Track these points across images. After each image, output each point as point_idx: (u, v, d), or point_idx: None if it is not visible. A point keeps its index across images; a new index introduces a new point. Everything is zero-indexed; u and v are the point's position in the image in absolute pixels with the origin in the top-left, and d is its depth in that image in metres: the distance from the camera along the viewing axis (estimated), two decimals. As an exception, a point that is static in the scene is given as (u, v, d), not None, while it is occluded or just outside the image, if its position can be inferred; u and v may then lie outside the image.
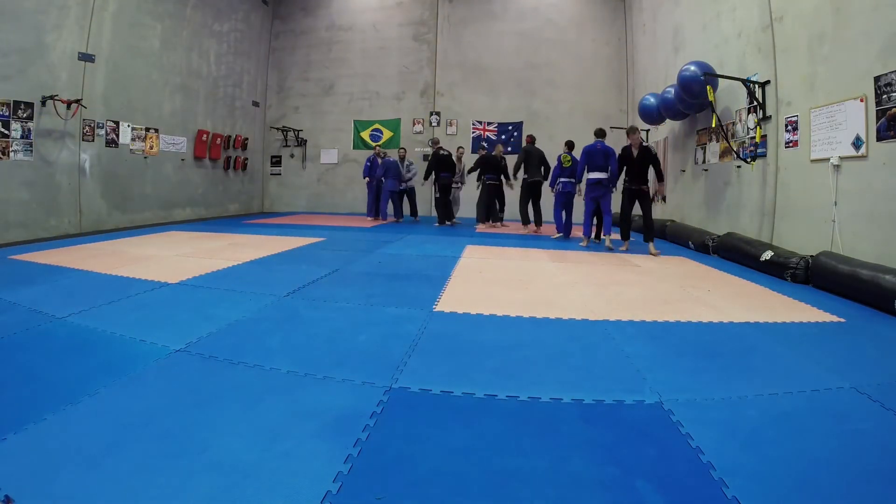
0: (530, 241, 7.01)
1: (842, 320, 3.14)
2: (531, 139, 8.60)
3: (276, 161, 12.92)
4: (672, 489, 1.32)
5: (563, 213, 7.68)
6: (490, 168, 8.79)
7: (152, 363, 2.14)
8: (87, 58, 7.11)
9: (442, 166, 9.03)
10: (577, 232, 7.85)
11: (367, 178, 10.25)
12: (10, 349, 2.28)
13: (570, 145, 7.75)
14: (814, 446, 1.56)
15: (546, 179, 8.14)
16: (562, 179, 7.56)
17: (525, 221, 8.33)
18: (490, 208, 8.98)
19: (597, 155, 6.49)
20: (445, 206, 9.23)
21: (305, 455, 1.44)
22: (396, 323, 2.83)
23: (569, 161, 7.48)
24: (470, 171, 9.28)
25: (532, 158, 8.14)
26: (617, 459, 1.47)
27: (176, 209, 9.46)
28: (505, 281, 4.12)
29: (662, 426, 1.69)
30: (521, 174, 8.43)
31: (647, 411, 1.80)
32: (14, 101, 6.10)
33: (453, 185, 9.41)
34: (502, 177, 8.92)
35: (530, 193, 8.22)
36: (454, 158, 9.31)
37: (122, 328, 2.58)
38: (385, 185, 9.81)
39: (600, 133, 6.75)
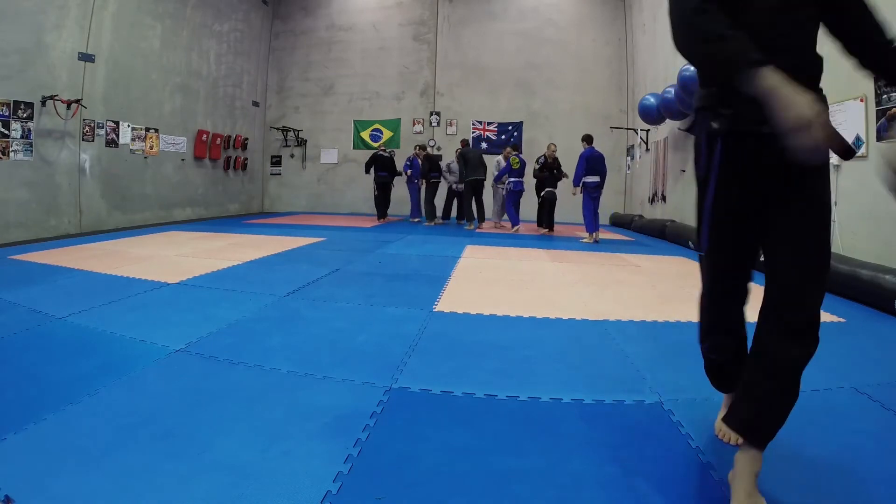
0: (530, 242, 7.02)
1: (842, 320, 3.15)
2: (465, 143, 9.52)
3: (276, 161, 12.93)
4: (672, 489, 1.32)
5: (516, 209, 8.55)
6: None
7: (152, 363, 2.14)
8: (87, 58, 7.11)
9: (382, 166, 9.55)
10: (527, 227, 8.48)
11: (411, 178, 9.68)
12: (10, 349, 2.28)
13: (515, 147, 8.89)
14: (813, 446, 1.56)
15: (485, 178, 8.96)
16: (511, 179, 8.39)
17: (470, 218, 9.17)
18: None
19: (596, 160, 7.18)
20: (384, 204, 9.82)
21: (305, 455, 1.44)
22: (396, 323, 2.83)
23: (517, 163, 8.38)
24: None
25: (471, 160, 8.84)
26: (617, 459, 1.47)
27: (176, 209, 9.46)
28: (505, 281, 4.12)
29: (662, 426, 1.69)
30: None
31: (647, 411, 1.80)
32: (14, 101, 6.11)
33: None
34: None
35: (470, 192, 8.94)
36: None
37: (122, 328, 2.58)
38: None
39: (591, 139, 7.37)
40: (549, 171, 8.15)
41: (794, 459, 1.48)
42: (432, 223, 9.40)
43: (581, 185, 7.16)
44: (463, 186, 9.14)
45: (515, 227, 8.40)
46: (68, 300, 3.10)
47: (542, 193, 8.30)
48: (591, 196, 7.26)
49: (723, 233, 1.27)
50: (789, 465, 1.44)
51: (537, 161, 8.39)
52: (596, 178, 7.16)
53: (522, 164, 8.43)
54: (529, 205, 9.19)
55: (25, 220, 6.32)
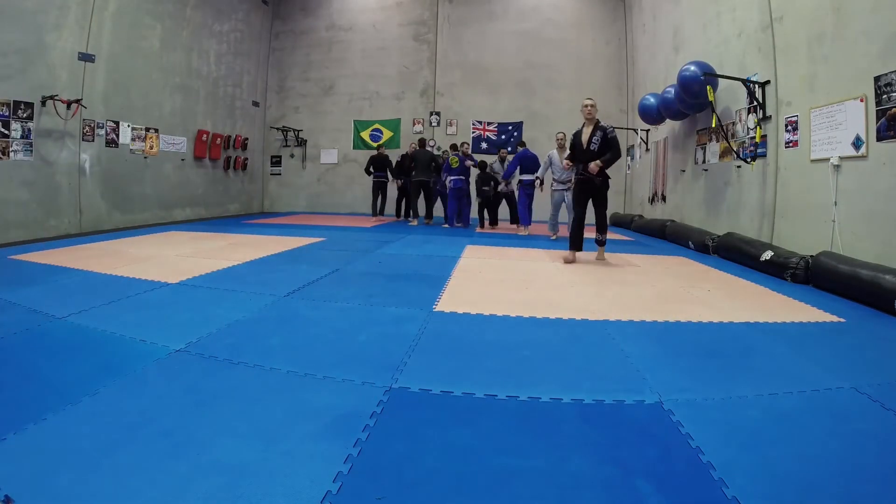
0: (530, 242, 7.01)
1: (842, 320, 3.14)
2: (422, 143, 9.66)
3: (276, 161, 12.93)
4: (672, 489, 1.32)
5: (457, 205, 9.17)
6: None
7: (152, 363, 2.14)
8: (87, 58, 7.11)
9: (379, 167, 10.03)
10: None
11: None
12: (10, 349, 2.28)
13: (454, 147, 9.31)
14: (814, 446, 1.56)
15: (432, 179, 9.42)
16: (451, 178, 8.90)
17: (415, 215, 9.63)
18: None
19: (529, 160, 7.98)
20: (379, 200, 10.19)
21: (305, 455, 1.44)
22: (396, 323, 2.83)
23: (456, 162, 8.87)
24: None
25: (420, 161, 9.24)
26: (617, 459, 1.47)
27: (176, 209, 9.46)
28: (505, 281, 4.12)
29: (662, 426, 1.68)
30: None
31: (647, 411, 1.80)
32: (14, 101, 6.11)
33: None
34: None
35: (419, 191, 9.42)
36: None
37: (122, 328, 2.58)
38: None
39: (524, 144, 8.66)
40: (483, 172, 8.84)
41: (794, 459, 1.48)
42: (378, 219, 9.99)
43: (518, 182, 8.13)
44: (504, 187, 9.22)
45: (457, 224, 9.12)
46: (68, 300, 3.10)
47: (478, 193, 8.96)
48: (526, 192, 8.05)
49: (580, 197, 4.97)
50: (790, 465, 1.44)
51: (484, 168, 9.08)
52: (531, 177, 7.96)
53: (461, 161, 8.91)
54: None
55: (25, 220, 6.32)
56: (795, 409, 1.84)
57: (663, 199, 8.94)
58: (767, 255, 4.83)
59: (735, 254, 5.53)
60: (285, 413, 1.71)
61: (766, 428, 1.68)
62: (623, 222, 10.29)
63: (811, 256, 4.36)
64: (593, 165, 4.93)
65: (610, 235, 8.62)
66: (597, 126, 5.07)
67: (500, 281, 4.11)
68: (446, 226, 9.17)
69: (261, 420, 1.65)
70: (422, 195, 9.72)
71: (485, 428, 1.65)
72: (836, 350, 2.56)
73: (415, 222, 9.48)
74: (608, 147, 5.00)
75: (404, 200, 10.18)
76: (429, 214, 9.73)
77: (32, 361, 2.15)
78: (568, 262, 5.15)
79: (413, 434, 1.59)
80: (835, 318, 3.18)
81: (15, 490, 1.22)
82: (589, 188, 5.15)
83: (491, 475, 1.37)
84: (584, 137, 5.07)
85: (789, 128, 5.17)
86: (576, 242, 5.24)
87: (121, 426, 1.57)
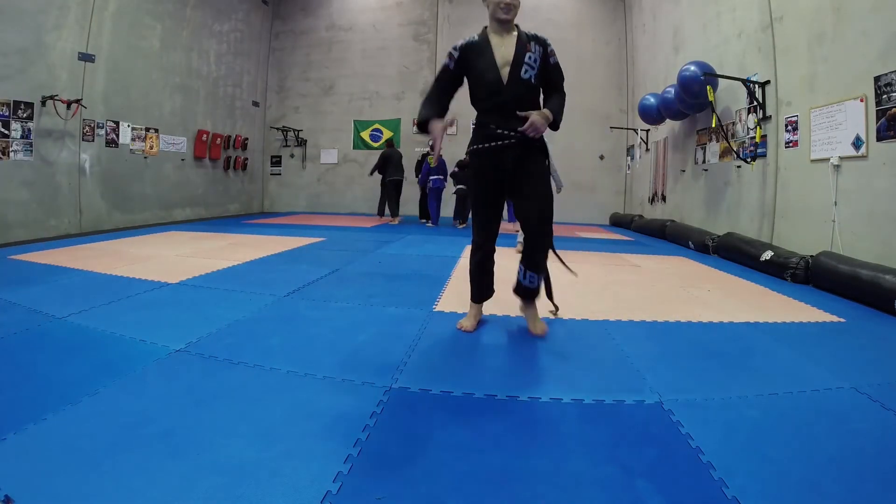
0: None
1: (842, 320, 3.14)
2: (391, 143, 9.99)
3: (276, 161, 12.93)
4: (672, 489, 1.32)
5: (437, 204, 9.38)
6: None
7: (152, 363, 2.14)
8: (87, 58, 7.11)
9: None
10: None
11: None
12: (10, 349, 2.28)
13: (433, 147, 9.41)
14: (814, 446, 1.56)
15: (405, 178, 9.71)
16: (432, 177, 9.19)
17: (381, 213, 9.99)
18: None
19: None
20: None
21: (305, 455, 1.44)
22: (396, 323, 2.83)
23: (434, 162, 9.17)
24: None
25: (391, 161, 9.50)
26: (617, 459, 1.47)
27: (176, 209, 9.46)
28: (505, 281, 4.11)
29: (662, 426, 1.68)
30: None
31: (647, 411, 1.80)
32: (14, 101, 6.11)
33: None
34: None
35: (392, 190, 9.59)
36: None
37: (122, 328, 2.58)
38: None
39: None
40: (462, 170, 8.79)
41: (794, 459, 1.48)
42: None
43: None
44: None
45: (432, 223, 9.27)
46: (68, 300, 3.09)
47: (455, 191, 9.07)
48: None
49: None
50: (790, 465, 1.44)
51: (457, 164, 9.07)
52: None
53: (441, 162, 9.28)
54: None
55: (25, 220, 6.32)
56: (795, 409, 1.84)
57: (663, 199, 8.95)
58: (767, 255, 4.84)
59: (735, 254, 5.53)
60: (285, 413, 1.71)
61: (766, 428, 1.68)
62: (623, 222, 10.30)
63: (811, 256, 4.36)
64: (539, 119, 2.41)
65: (610, 235, 8.75)
66: (526, 36, 2.48)
67: (500, 281, 4.10)
68: (430, 225, 9.29)
69: (261, 420, 1.65)
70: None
71: (485, 428, 1.65)
72: (836, 350, 2.56)
73: (395, 221, 9.67)
74: (552, 78, 2.52)
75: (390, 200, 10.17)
76: (395, 212, 9.94)
77: (32, 361, 2.15)
78: (466, 329, 2.72)
79: (413, 434, 1.59)
80: (835, 318, 3.18)
81: (15, 490, 1.22)
82: (508, 169, 2.60)
83: (491, 475, 1.37)
84: (502, 54, 2.51)
85: (789, 128, 5.17)
86: (481, 288, 2.87)
87: (121, 426, 1.57)
